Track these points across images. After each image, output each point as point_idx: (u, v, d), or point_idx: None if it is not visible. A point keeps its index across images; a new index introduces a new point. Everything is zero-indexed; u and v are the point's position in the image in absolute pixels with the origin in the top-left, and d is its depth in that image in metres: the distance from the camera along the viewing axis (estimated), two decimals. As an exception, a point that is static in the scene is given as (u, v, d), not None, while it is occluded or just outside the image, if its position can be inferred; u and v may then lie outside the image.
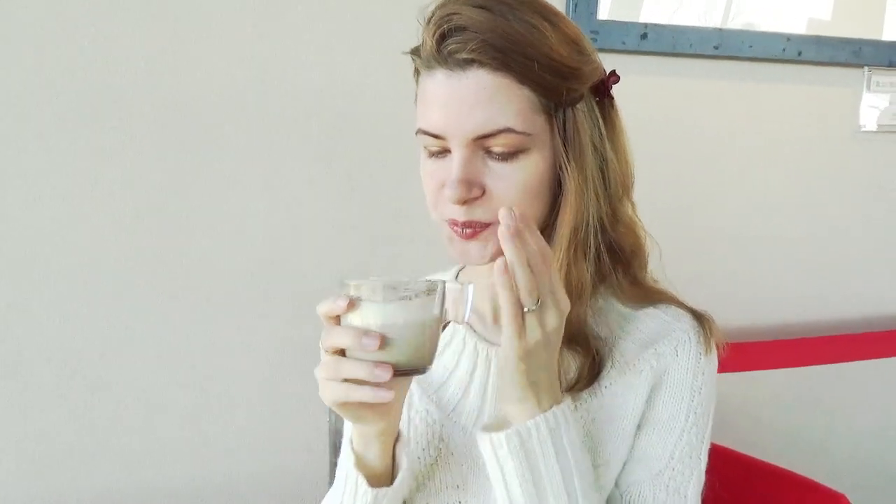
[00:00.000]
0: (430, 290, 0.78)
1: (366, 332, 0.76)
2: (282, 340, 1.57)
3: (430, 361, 0.81)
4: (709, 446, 0.94)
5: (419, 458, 0.98)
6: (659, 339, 0.93)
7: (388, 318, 0.76)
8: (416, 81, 0.90)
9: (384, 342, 0.76)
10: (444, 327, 0.83)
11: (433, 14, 0.84)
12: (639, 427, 0.92)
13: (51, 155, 1.42)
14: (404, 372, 0.78)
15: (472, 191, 0.85)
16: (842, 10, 1.83)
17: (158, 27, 1.44)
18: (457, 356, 1.01)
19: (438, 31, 0.82)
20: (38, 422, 1.47)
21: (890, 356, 1.96)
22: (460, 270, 1.08)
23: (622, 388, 0.92)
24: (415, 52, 0.87)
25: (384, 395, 0.76)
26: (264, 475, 1.56)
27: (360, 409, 0.81)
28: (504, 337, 0.78)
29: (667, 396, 0.92)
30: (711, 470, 0.94)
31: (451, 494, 0.96)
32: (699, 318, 0.95)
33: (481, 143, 0.84)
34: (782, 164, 1.88)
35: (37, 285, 1.44)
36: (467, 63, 0.82)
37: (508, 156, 0.85)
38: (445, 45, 0.82)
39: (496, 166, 0.85)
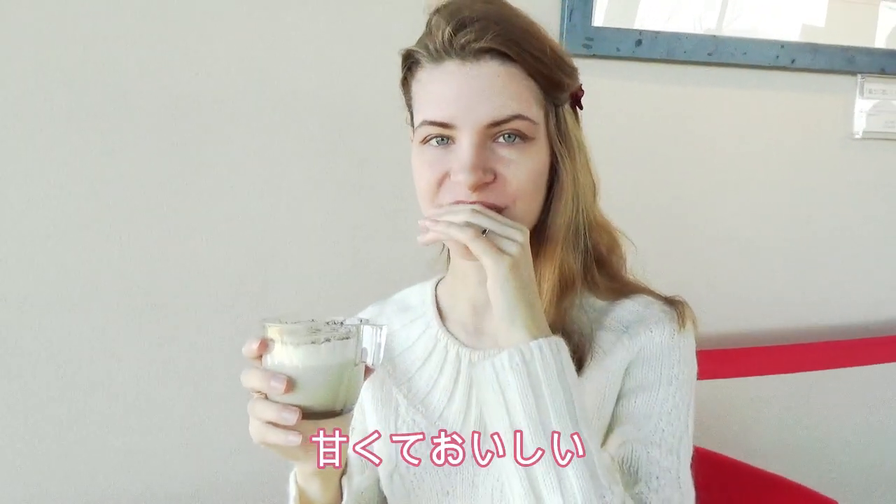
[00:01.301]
0: (346, 334, 0.79)
1: (274, 375, 0.77)
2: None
3: (348, 404, 0.81)
4: (693, 420, 0.93)
5: (407, 467, 0.98)
6: (632, 324, 0.94)
7: (298, 362, 0.78)
8: (409, 79, 0.92)
9: (292, 385, 0.77)
10: (370, 370, 0.84)
11: (442, 8, 0.87)
12: (620, 398, 0.93)
13: (51, 155, 1.42)
14: (318, 415, 0.78)
15: (486, 175, 0.87)
16: (835, 17, 1.84)
17: (157, 27, 1.44)
18: (440, 364, 1.02)
19: (453, 22, 0.84)
20: (38, 422, 1.47)
21: (881, 362, 1.97)
22: (439, 281, 1.10)
23: (599, 373, 0.93)
24: (420, 46, 0.89)
25: (292, 440, 0.77)
26: (264, 476, 1.55)
27: (285, 449, 0.81)
28: (488, 261, 0.81)
29: (644, 365, 0.93)
30: (703, 475, 0.94)
31: (440, 501, 0.97)
32: (671, 302, 0.97)
33: (491, 130, 0.86)
34: (775, 171, 1.89)
35: (37, 285, 1.44)
36: (482, 53, 0.85)
37: (516, 143, 0.87)
38: (461, 36, 0.84)
39: (505, 153, 0.87)
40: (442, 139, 0.88)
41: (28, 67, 1.39)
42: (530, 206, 0.90)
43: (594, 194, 0.97)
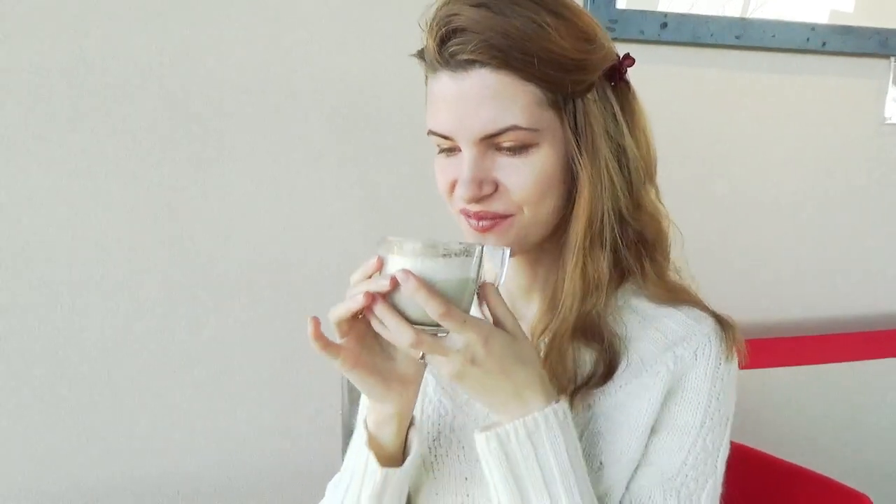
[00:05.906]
0: (468, 251, 0.77)
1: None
2: (288, 336, 1.57)
3: None
4: (727, 455, 0.92)
5: (430, 448, 0.98)
6: (679, 341, 0.91)
7: (433, 274, 0.75)
8: (426, 83, 0.91)
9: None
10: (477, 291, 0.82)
11: (434, 17, 0.85)
12: (653, 430, 0.91)
13: (53, 152, 1.41)
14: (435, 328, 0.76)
15: (484, 188, 0.86)
16: (864, 1, 1.79)
17: (166, 19, 1.43)
18: None
19: (439, 34, 0.83)
20: (39, 421, 1.47)
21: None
22: None
23: (637, 388, 0.91)
24: (420, 55, 0.88)
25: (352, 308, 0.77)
26: (272, 472, 1.55)
27: (371, 377, 0.83)
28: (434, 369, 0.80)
29: (683, 401, 0.91)
30: (730, 469, 0.92)
31: (459, 485, 0.96)
32: (721, 322, 0.94)
33: (489, 141, 0.85)
34: (805, 157, 1.85)
35: (37, 284, 1.43)
36: (469, 64, 0.82)
37: (518, 151, 0.85)
38: (447, 48, 0.83)
39: (506, 161, 0.86)
40: (451, 150, 0.88)
41: (30, 59, 1.38)
42: (539, 212, 0.88)
43: (647, 176, 0.94)
